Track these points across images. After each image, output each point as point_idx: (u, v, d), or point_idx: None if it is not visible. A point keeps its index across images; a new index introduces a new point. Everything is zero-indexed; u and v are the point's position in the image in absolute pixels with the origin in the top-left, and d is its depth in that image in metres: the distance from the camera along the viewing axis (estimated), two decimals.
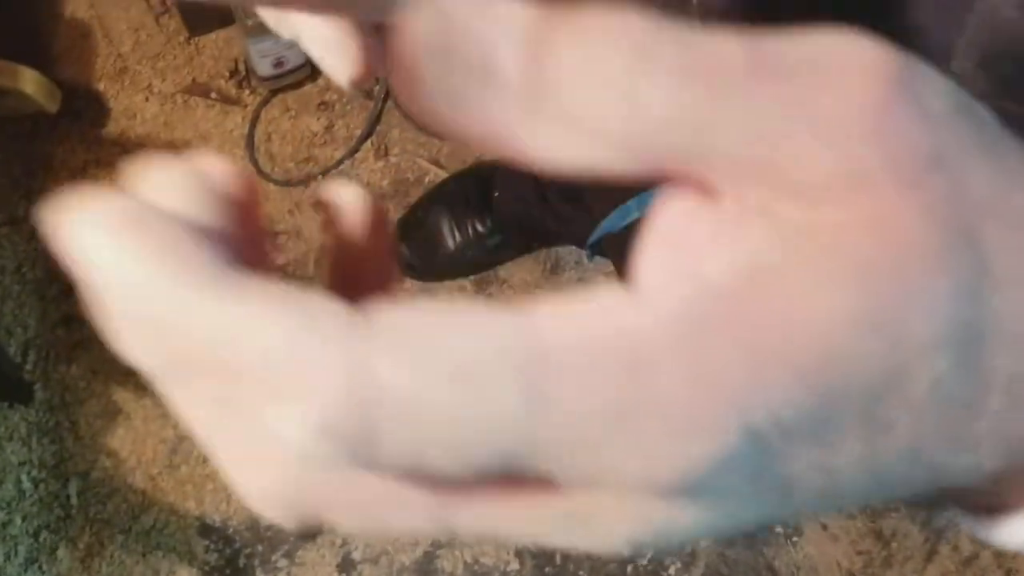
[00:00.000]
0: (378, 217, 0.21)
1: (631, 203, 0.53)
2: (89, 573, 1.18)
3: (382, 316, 0.14)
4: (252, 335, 0.14)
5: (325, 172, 1.32)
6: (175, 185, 0.17)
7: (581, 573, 1.27)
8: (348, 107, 1.35)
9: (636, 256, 0.16)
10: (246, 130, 1.30)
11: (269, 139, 1.32)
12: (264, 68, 1.25)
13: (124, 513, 1.20)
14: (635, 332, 0.15)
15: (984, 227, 0.16)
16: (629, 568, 1.27)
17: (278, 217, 1.30)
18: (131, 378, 1.23)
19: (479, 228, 1.27)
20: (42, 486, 1.18)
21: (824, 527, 1.32)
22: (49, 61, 1.26)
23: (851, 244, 0.15)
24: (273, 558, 1.22)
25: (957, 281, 0.15)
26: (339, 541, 1.23)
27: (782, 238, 0.15)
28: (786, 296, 0.15)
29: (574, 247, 1.33)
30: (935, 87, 0.16)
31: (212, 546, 1.22)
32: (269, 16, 0.33)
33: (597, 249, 0.59)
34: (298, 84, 1.32)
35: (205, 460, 1.22)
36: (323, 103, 1.34)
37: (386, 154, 1.35)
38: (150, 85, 1.30)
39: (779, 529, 1.32)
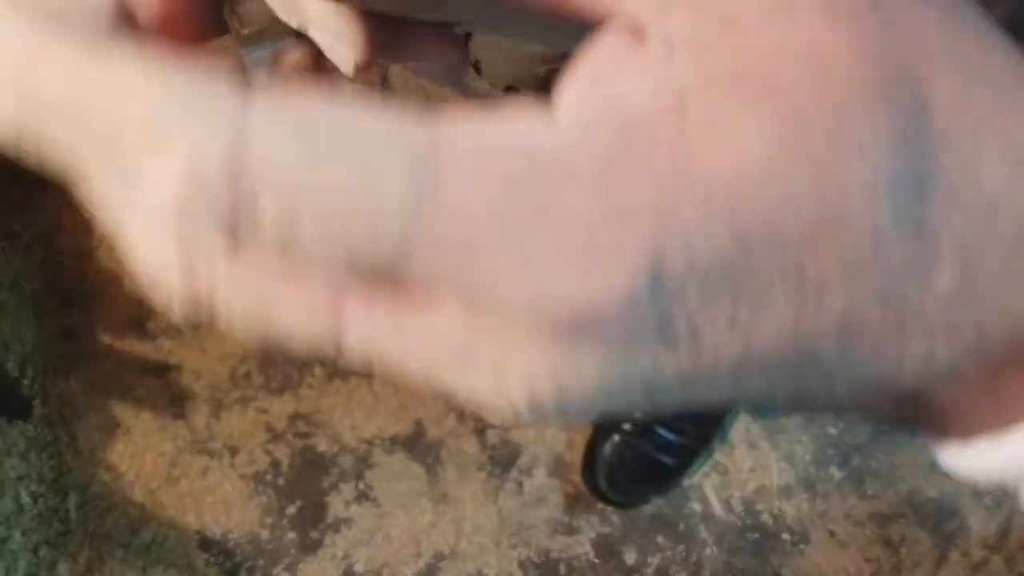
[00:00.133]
0: None
1: None
2: None
3: (281, 95, 0.14)
4: (136, 96, 0.14)
5: None
6: None
7: None
8: None
9: (559, 88, 0.15)
10: None
11: None
12: (258, 77, 1.25)
13: (124, 527, 1.20)
14: (547, 152, 0.14)
15: (930, 75, 0.15)
16: None
17: None
18: (130, 392, 1.23)
19: None
20: (41, 501, 1.18)
21: (832, 534, 1.31)
22: None
23: (779, 77, 0.14)
24: (274, 571, 1.22)
25: (896, 125, 0.14)
26: (340, 553, 1.22)
27: (707, 70, 0.14)
28: (708, 130, 0.14)
29: None
30: None
31: (212, 560, 1.21)
32: (277, 4, 0.33)
33: None
34: None
35: (204, 473, 1.22)
36: None
37: None
38: None
39: (785, 536, 1.31)
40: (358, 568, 1.24)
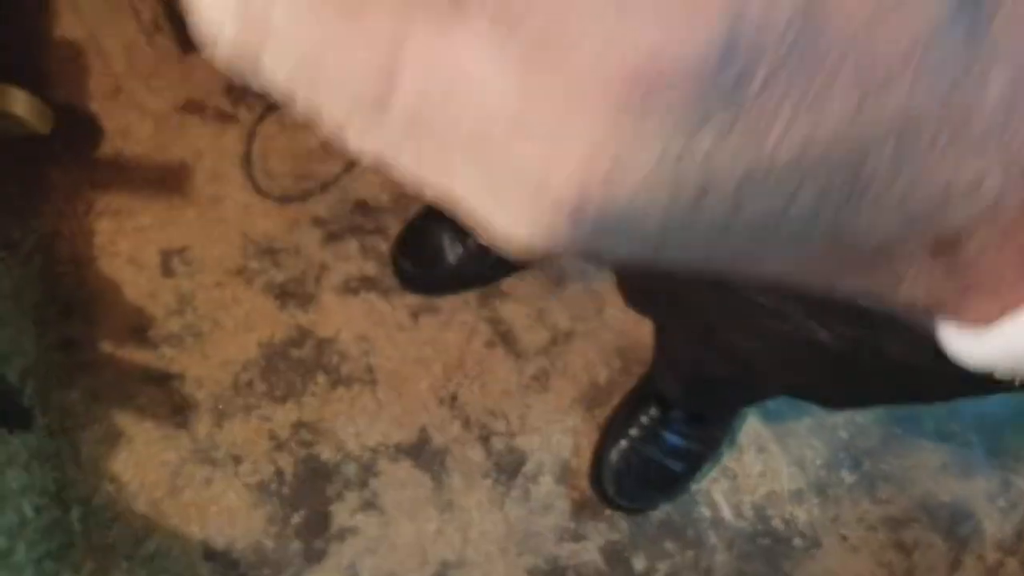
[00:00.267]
0: None
1: None
2: None
3: None
4: None
5: (323, 188, 1.31)
6: None
7: None
8: None
9: None
10: (242, 147, 1.30)
11: (266, 155, 1.31)
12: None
13: (127, 538, 1.20)
14: None
15: None
16: None
17: (276, 234, 1.30)
18: (132, 401, 1.22)
19: (480, 242, 1.26)
20: (44, 513, 1.17)
21: (844, 538, 1.30)
22: (41, 82, 1.26)
23: None
24: None
25: None
26: (346, 563, 1.22)
27: None
28: None
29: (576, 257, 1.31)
30: None
31: (217, 570, 1.21)
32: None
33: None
34: None
35: (208, 483, 1.21)
36: None
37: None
38: (144, 104, 1.30)
39: (797, 541, 1.30)
40: None
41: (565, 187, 0.15)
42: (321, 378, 1.26)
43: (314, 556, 1.21)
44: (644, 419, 1.25)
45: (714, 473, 1.31)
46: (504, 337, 1.31)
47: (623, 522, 1.28)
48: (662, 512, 1.29)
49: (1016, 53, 0.15)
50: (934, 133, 0.15)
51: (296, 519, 1.22)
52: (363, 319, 1.29)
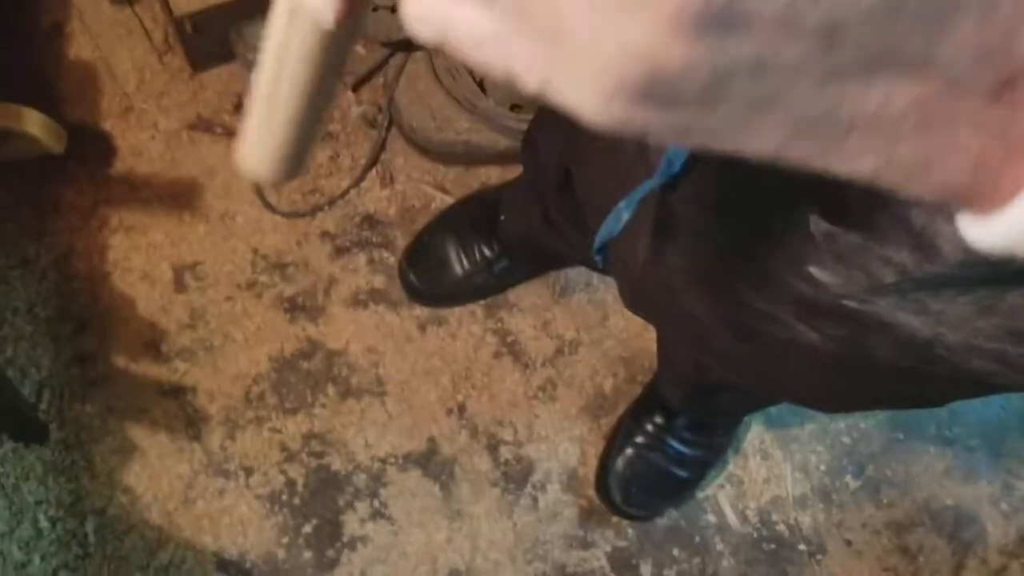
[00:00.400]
0: None
1: (621, 204, 0.54)
2: None
3: None
4: None
5: (331, 202, 1.34)
6: None
7: None
8: (352, 137, 1.37)
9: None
10: None
11: None
12: None
13: (141, 550, 1.22)
14: None
15: None
16: None
17: (286, 249, 1.32)
18: (146, 414, 1.25)
19: (486, 253, 1.28)
20: (59, 525, 1.20)
21: (848, 543, 1.32)
22: (55, 103, 1.29)
23: None
24: None
25: None
26: (357, 571, 1.24)
27: None
28: None
29: (582, 268, 1.34)
30: None
31: None
32: None
33: (604, 258, 0.60)
34: None
35: (220, 494, 1.24)
36: (327, 134, 1.36)
37: (391, 182, 1.37)
38: (156, 122, 1.32)
39: (802, 547, 1.31)
40: None
41: (628, 66, 0.18)
42: (331, 390, 1.29)
43: (325, 565, 1.24)
44: (649, 427, 1.27)
45: (719, 480, 1.33)
46: (511, 348, 1.33)
47: (630, 529, 1.29)
48: (668, 519, 1.31)
49: None
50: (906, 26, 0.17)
51: (307, 529, 1.24)
52: (372, 331, 1.31)
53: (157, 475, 1.24)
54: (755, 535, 1.32)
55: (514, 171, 1.36)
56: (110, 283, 1.28)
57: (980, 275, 0.43)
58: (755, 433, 1.36)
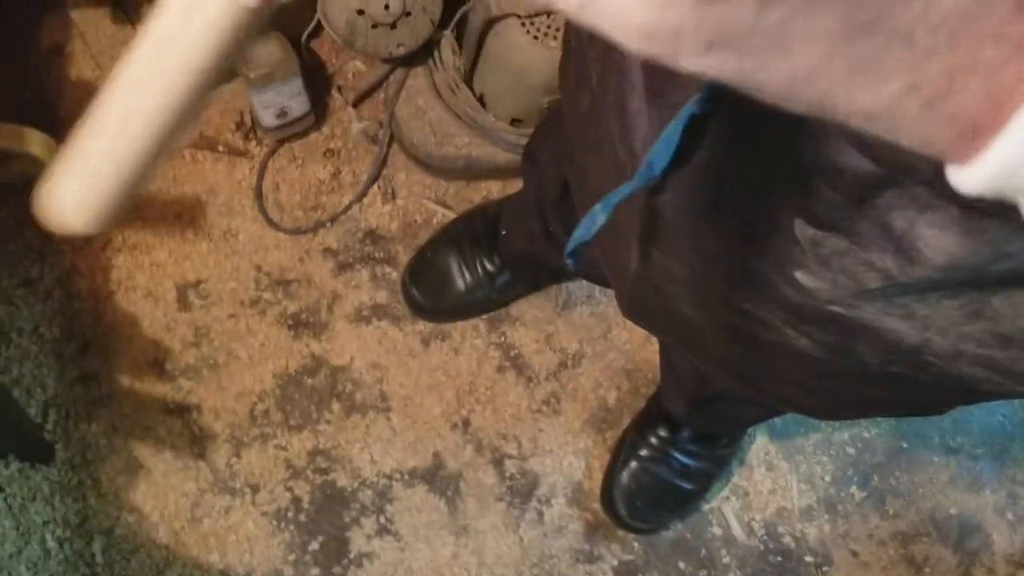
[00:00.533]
0: None
1: (597, 207, 0.54)
2: None
3: None
4: None
5: (333, 218, 1.34)
6: None
7: None
8: (354, 153, 1.37)
9: None
10: (254, 181, 1.33)
11: (277, 189, 1.35)
12: (268, 119, 1.28)
13: (149, 569, 1.22)
14: None
15: None
16: None
17: (289, 265, 1.32)
18: (151, 433, 1.25)
19: (488, 267, 1.29)
20: (67, 545, 1.20)
21: (855, 554, 1.32)
22: (57, 123, 1.30)
23: None
24: None
25: None
26: None
27: None
28: None
29: (584, 281, 1.34)
30: None
31: None
32: None
33: (576, 260, 0.60)
34: (303, 133, 1.35)
35: (226, 512, 1.24)
36: (329, 150, 1.36)
37: (393, 197, 1.37)
38: None
39: (808, 558, 1.31)
40: None
41: None
42: (335, 406, 1.29)
43: None
44: (653, 440, 1.27)
45: (725, 492, 1.33)
46: (514, 361, 1.33)
47: (636, 543, 1.30)
48: (674, 532, 1.31)
49: None
50: None
51: (314, 546, 1.24)
52: (375, 347, 1.32)
53: (163, 494, 1.24)
54: (761, 547, 1.32)
55: (515, 185, 1.36)
56: (114, 302, 1.28)
57: (964, 278, 0.44)
58: (760, 444, 1.36)
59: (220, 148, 1.35)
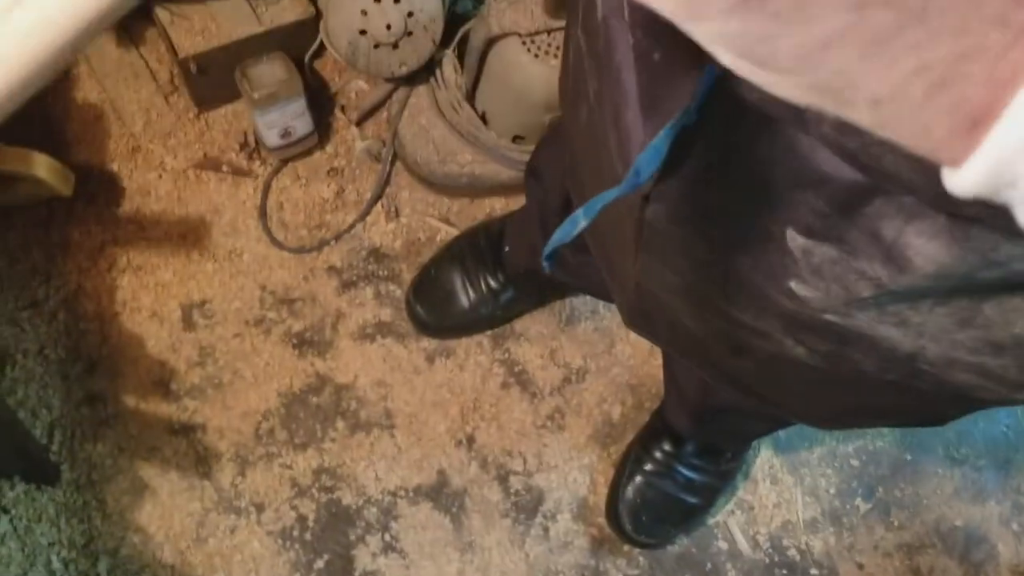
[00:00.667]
0: None
1: (579, 211, 0.54)
2: None
3: None
4: None
5: (337, 237, 1.35)
6: None
7: None
8: (357, 172, 1.38)
9: None
10: (258, 200, 1.34)
11: (281, 208, 1.35)
12: (272, 139, 1.29)
13: None
14: None
15: None
16: None
17: (293, 284, 1.33)
18: (156, 453, 1.25)
19: (492, 283, 1.29)
20: (72, 566, 1.20)
21: (860, 566, 1.32)
22: (63, 145, 1.31)
23: None
24: None
25: None
26: None
27: None
28: None
29: (588, 297, 1.34)
30: None
31: None
32: None
33: (552, 263, 0.61)
34: (307, 152, 1.36)
35: (232, 531, 1.23)
36: (332, 169, 1.37)
37: (396, 215, 1.38)
38: (162, 162, 1.34)
39: (814, 571, 1.31)
40: None
41: None
42: (340, 424, 1.29)
43: None
44: (658, 454, 1.27)
45: (729, 506, 1.33)
46: (518, 377, 1.34)
47: (641, 557, 1.29)
48: (679, 546, 1.31)
49: None
50: None
51: (319, 564, 1.24)
52: (380, 364, 1.32)
53: (168, 514, 1.24)
54: (767, 560, 1.32)
55: (517, 202, 1.37)
56: (119, 323, 1.29)
57: (954, 286, 0.44)
58: (764, 458, 1.36)
59: (224, 168, 1.35)
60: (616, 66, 0.54)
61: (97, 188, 1.32)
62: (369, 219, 1.38)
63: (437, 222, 1.39)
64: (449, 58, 1.30)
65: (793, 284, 0.50)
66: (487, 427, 1.32)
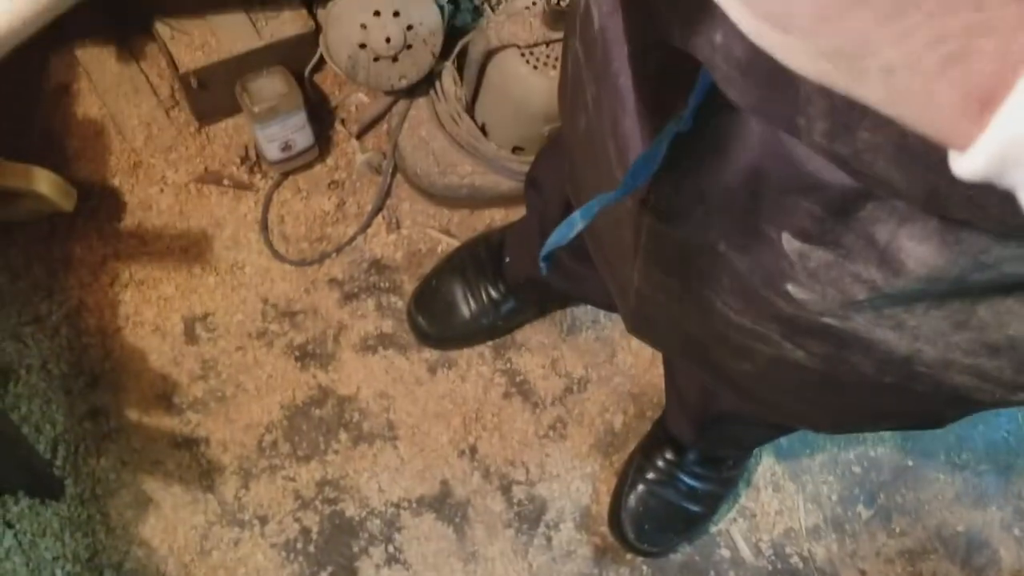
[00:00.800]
0: None
1: (577, 214, 0.55)
2: None
3: None
4: None
5: (339, 249, 1.35)
6: None
7: None
8: (358, 184, 1.38)
9: None
10: (259, 214, 1.34)
11: (282, 221, 1.36)
12: (273, 152, 1.30)
13: None
14: None
15: None
16: None
17: (295, 297, 1.33)
18: (160, 467, 1.25)
19: (493, 294, 1.30)
20: None
21: (863, 573, 1.32)
22: (64, 161, 1.31)
23: None
24: None
25: None
26: None
27: None
28: None
29: (589, 306, 1.34)
30: None
31: None
32: None
33: (549, 263, 0.61)
34: (308, 165, 1.37)
35: (235, 544, 1.23)
36: (333, 182, 1.37)
37: (397, 227, 1.38)
38: (164, 176, 1.34)
39: None
40: None
41: None
42: (343, 436, 1.29)
43: None
44: (660, 463, 1.27)
45: (732, 513, 1.33)
46: (520, 387, 1.34)
47: (644, 566, 1.30)
48: (682, 554, 1.31)
49: None
50: None
51: None
52: (382, 376, 1.32)
53: (172, 527, 1.24)
54: (769, 568, 1.32)
55: (518, 212, 1.37)
56: (121, 337, 1.29)
57: (948, 289, 0.45)
58: (766, 465, 1.36)
59: (225, 182, 1.36)
60: (613, 74, 0.55)
61: (99, 203, 1.33)
62: (370, 231, 1.38)
63: (438, 233, 1.39)
64: (448, 70, 1.31)
65: (790, 287, 0.51)
66: (489, 437, 1.32)
